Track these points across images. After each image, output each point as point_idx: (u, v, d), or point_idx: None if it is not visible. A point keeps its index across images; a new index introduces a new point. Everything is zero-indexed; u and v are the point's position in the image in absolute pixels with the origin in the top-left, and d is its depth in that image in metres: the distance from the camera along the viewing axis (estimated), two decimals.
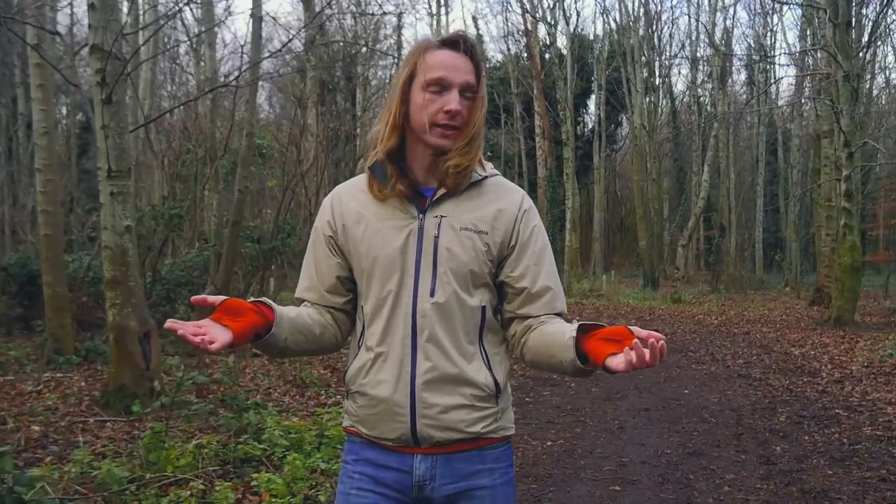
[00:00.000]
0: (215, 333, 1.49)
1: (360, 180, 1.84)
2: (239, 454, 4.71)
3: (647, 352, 1.40)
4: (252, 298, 1.67)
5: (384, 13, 16.12)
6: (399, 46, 25.23)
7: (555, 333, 1.67)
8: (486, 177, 1.78)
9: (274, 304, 1.67)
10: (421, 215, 1.72)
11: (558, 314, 1.76)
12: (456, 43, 1.70)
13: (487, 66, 40.06)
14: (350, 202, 1.80)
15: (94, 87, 6.40)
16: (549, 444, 5.61)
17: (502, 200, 1.77)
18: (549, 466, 5.02)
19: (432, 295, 1.68)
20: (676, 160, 36.74)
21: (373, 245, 1.73)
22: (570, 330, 1.61)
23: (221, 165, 12.00)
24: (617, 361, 1.45)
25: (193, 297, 1.55)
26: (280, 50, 9.21)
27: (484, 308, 1.73)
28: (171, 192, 12.68)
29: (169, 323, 1.45)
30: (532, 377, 8.69)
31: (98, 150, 6.49)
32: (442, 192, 1.72)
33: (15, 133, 20.05)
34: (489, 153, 39.30)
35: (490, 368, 1.73)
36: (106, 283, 6.46)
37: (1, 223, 17.65)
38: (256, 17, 9.98)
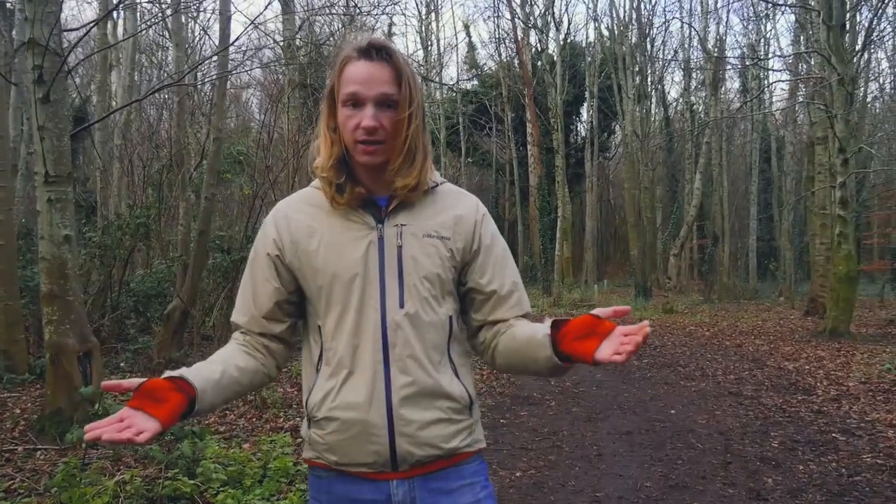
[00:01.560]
0: (141, 424, 1.38)
1: (305, 194, 1.74)
2: (168, 491, 4.21)
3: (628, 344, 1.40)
4: (167, 373, 1.50)
5: (366, 13, 15.58)
6: None
7: (527, 333, 1.61)
8: (438, 184, 1.72)
9: (193, 377, 1.50)
10: (379, 225, 1.64)
11: (524, 315, 1.72)
12: (369, 52, 1.60)
13: (479, 73, 39.75)
14: (298, 216, 1.69)
15: (31, 85, 5.93)
16: (518, 474, 5.10)
17: (459, 206, 1.72)
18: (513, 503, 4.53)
19: (402, 306, 1.60)
20: (669, 168, 36.37)
21: (330, 258, 1.63)
22: (544, 328, 1.55)
23: (195, 173, 11.47)
24: (603, 355, 1.42)
25: (105, 384, 1.44)
26: (231, 44, 8.72)
27: (451, 318, 1.67)
28: (135, 200, 12.16)
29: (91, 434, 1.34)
30: (510, 395, 8.20)
31: (35, 153, 6.02)
32: (396, 202, 1.65)
33: None
34: (481, 160, 38.94)
35: (460, 379, 1.66)
36: (42, 297, 5.96)
37: None
38: (224, 15, 9.53)
